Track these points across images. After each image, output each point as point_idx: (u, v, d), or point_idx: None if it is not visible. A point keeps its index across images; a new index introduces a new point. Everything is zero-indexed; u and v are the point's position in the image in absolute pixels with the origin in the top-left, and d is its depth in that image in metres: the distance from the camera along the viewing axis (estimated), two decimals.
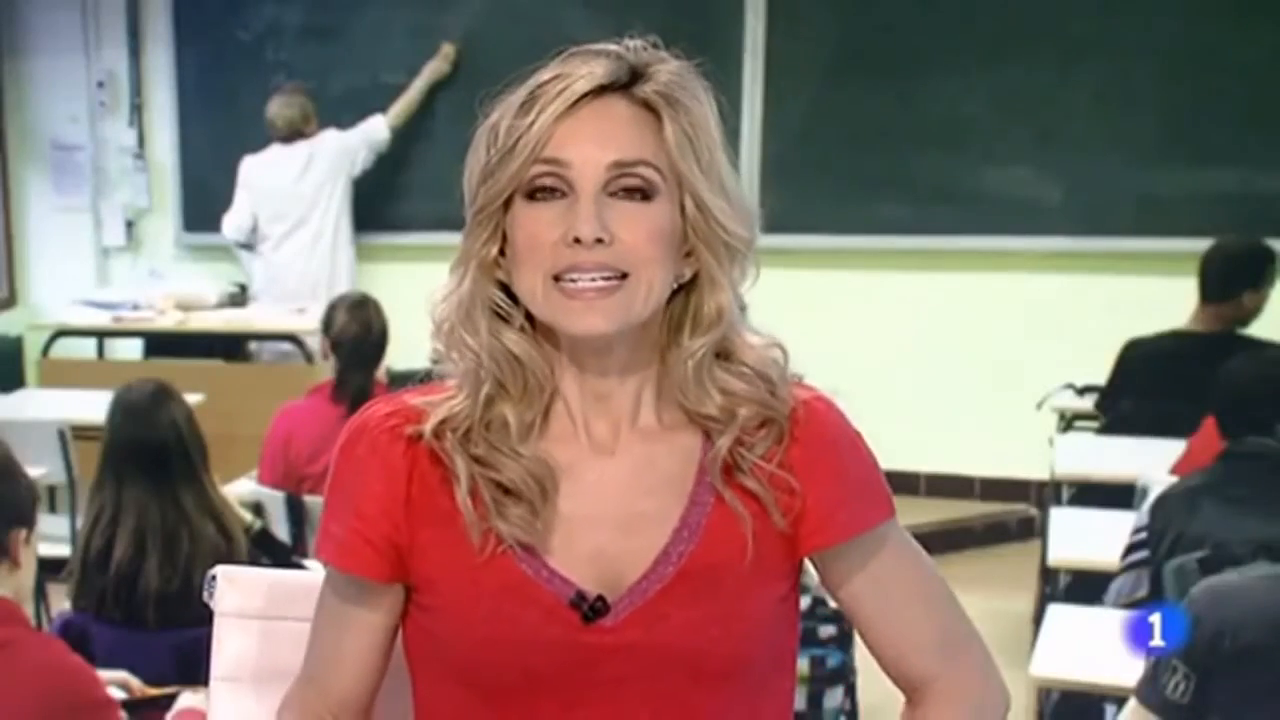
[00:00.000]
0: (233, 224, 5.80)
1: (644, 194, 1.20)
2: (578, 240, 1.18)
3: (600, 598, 1.21)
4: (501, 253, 1.23)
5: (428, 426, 1.24)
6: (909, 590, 1.30)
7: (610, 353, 1.24)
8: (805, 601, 1.38)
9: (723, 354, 1.26)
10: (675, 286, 1.24)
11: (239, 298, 5.80)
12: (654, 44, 1.25)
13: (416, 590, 1.26)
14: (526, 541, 1.21)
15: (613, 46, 1.23)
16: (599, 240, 1.18)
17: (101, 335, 5.85)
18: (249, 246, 5.88)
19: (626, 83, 1.22)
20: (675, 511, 1.24)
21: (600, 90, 1.21)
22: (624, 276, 1.19)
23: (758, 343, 1.27)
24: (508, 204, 1.22)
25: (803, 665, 2.93)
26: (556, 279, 1.19)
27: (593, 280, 1.18)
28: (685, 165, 1.21)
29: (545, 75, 1.21)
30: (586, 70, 1.20)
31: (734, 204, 1.23)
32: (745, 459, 1.24)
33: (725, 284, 1.24)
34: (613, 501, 1.24)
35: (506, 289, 1.24)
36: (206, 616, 1.50)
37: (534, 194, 1.20)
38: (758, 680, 1.26)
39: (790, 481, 1.24)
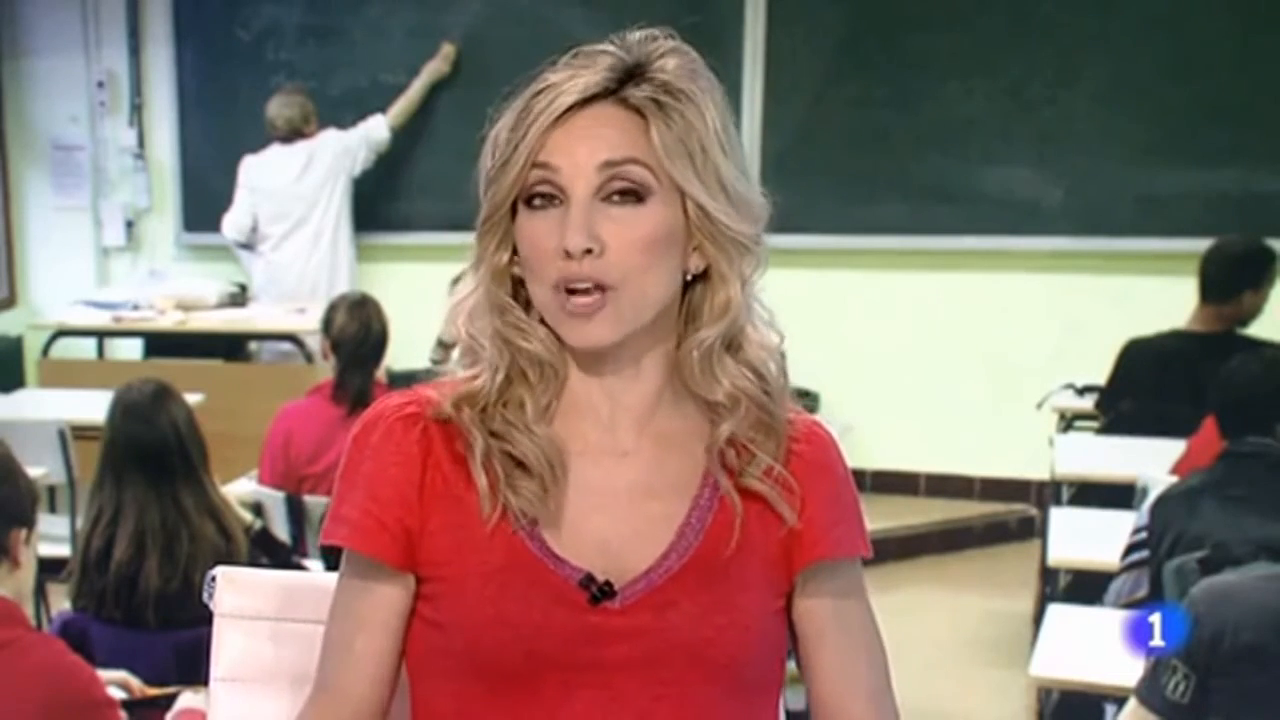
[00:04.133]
0: (233, 224, 5.81)
1: (637, 196, 1.21)
2: (569, 253, 1.19)
3: (608, 582, 1.23)
4: (516, 254, 1.25)
5: (448, 402, 1.26)
6: (860, 632, 1.32)
7: (618, 354, 1.26)
8: None
9: (733, 346, 1.27)
10: (690, 278, 1.25)
11: (239, 298, 5.79)
12: (668, 35, 1.25)
13: (423, 580, 1.26)
14: (534, 516, 1.23)
15: (611, 47, 1.24)
16: (588, 251, 1.19)
17: (101, 335, 5.85)
18: (249, 246, 5.88)
19: (616, 88, 1.22)
20: (680, 512, 1.26)
21: (591, 98, 1.22)
22: (613, 289, 1.20)
23: (762, 343, 1.28)
24: (515, 210, 1.24)
25: None
26: (561, 289, 1.21)
27: (587, 293, 1.20)
28: (676, 169, 1.21)
29: (539, 84, 1.23)
30: (580, 80, 1.22)
31: (735, 201, 1.24)
32: (748, 463, 1.26)
33: (733, 277, 1.25)
34: (622, 498, 1.26)
35: (521, 284, 1.26)
36: (206, 616, 1.50)
37: (532, 201, 1.23)
38: (754, 676, 1.28)
39: (793, 482, 1.27)
